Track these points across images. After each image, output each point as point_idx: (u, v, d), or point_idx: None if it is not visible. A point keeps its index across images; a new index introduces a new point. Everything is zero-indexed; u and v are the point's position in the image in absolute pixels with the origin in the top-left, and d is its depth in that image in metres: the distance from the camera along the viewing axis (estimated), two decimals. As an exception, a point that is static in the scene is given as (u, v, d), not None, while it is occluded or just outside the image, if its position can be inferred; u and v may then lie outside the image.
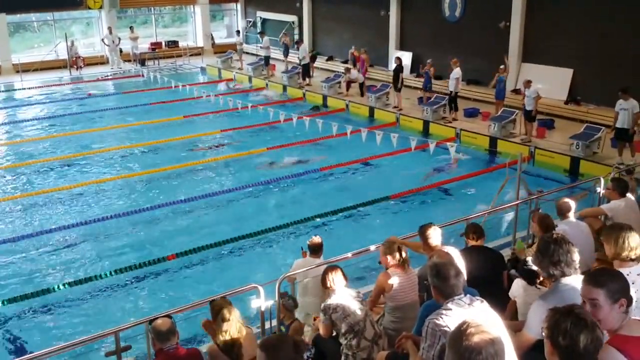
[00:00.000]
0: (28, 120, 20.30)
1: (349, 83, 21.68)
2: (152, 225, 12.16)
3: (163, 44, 30.63)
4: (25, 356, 7.71)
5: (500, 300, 5.44)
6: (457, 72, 17.88)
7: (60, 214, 12.70)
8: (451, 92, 17.99)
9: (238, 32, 29.88)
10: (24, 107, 22.34)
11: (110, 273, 10.00)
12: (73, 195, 13.56)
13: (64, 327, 8.86)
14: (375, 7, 24.68)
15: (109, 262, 10.61)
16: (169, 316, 5.19)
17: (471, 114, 18.48)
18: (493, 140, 16.36)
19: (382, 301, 6.48)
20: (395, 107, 19.83)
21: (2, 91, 24.70)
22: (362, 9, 25.38)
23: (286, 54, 25.85)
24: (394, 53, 23.24)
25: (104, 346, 6.65)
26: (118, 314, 9.03)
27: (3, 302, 9.24)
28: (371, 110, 20.13)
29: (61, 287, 9.67)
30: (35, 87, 24.67)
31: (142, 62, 28.39)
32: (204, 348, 5.58)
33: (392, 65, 20.72)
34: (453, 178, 14.03)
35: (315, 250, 7.56)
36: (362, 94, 21.27)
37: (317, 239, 7.65)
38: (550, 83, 18.35)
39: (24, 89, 24.76)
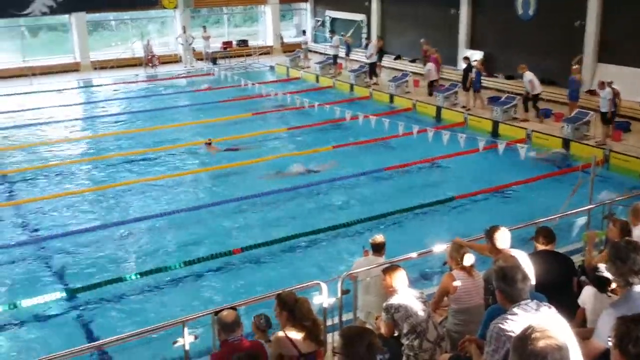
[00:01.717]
0: (104, 116, 21.10)
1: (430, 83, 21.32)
2: (220, 220, 12.42)
3: (234, 43, 31.19)
4: (97, 342, 8.09)
5: (569, 307, 5.30)
6: (527, 75, 17.43)
7: (132, 207, 13.14)
8: (527, 92, 17.59)
9: (304, 31, 30.11)
10: (101, 103, 23.20)
11: (179, 265, 10.27)
12: (145, 189, 14.00)
13: (133, 315, 9.17)
14: (444, 6, 24.36)
15: (178, 253, 10.90)
16: (234, 308, 5.30)
17: (543, 114, 17.99)
18: (566, 142, 15.89)
19: (446, 303, 6.42)
20: (464, 106, 19.53)
21: (81, 87, 25.76)
22: (431, 7, 25.09)
23: (348, 52, 25.97)
24: (463, 52, 22.89)
25: (171, 335, 6.83)
26: (185, 305, 9.28)
27: (77, 290, 9.65)
28: (438, 109, 19.89)
29: (132, 276, 10.03)
30: (112, 84, 25.59)
31: (214, 61, 29.01)
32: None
33: (462, 65, 20.42)
34: (522, 180, 13.70)
35: (378, 249, 7.55)
36: (430, 93, 21.03)
37: (379, 238, 7.64)
38: (627, 84, 17.61)
39: (101, 85, 25.73)
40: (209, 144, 16.35)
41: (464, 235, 7.30)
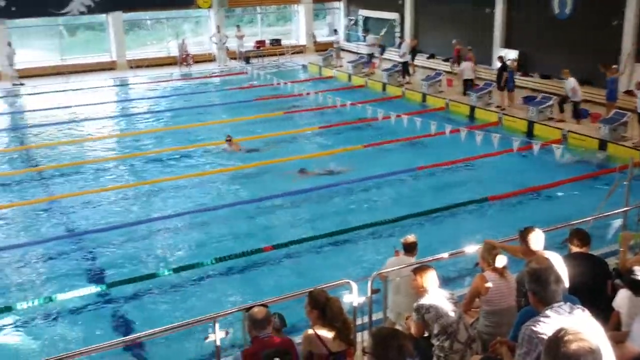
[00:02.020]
0: (139, 114, 21.42)
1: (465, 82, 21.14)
2: (252, 217, 12.50)
3: (267, 42, 31.36)
4: (130, 336, 8.22)
5: (603, 311, 5.22)
6: (570, 82, 17.08)
7: (165, 204, 13.30)
8: (567, 96, 17.32)
9: (335, 30, 30.11)
10: (136, 101, 23.55)
11: (211, 261, 10.38)
12: (179, 186, 14.17)
13: (166, 310, 9.29)
14: (479, 4, 24.12)
15: (210, 250, 11.01)
16: (265, 305, 5.34)
17: (580, 115, 17.68)
18: (602, 143, 15.61)
19: (478, 305, 6.37)
20: (498, 106, 19.32)
21: (117, 86, 26.17)
22: (465, 6, 24.87)
23: (382, 52, 25.91)
24: (498, 51, 22.64)
25: (203, 331, 6.91)
26: (216, 301, 9.37)
27: (112, 284, 9.82)
28: (472, 109, 19.71)
29: (165, 272, 10.17)
30: (147, 83, 25.96)
31: (247, 60, 29.21)
32: (297, 339, 5.69)
33: (496, 64, 20.20)
34: (557, 182, 13.51)
35: (410, 248, 7.52)
36: (464, 93, 20.84)
37: (411, 238, 7.61)
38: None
39: (136, 84, 26.12)
40: (230, 140, 16.37)
41: (497, 237, 7.22)
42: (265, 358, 4.75)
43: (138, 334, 7.94)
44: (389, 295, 7.42)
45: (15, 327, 9.03)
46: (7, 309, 9.16)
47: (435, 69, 24.34)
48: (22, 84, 25.26)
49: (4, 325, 9.02)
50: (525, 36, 22.54)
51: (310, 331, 5.33)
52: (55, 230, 12.15)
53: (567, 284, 4.98)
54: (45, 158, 16.75)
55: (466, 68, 20.91)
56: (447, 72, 23.50)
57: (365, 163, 15.26)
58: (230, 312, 6.53)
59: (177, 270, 10.25)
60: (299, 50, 31.25)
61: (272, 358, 4.70)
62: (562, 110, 17.62)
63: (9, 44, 25.36)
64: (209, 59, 29.65)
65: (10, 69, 25.25)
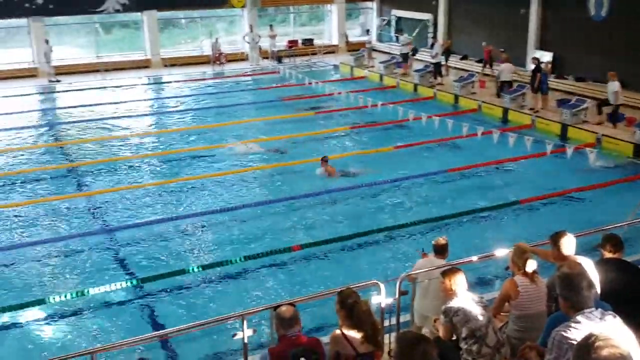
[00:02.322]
0: (172, 112, 21.66)
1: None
2: (281, 216, 12.55)
3: (299, 41, 31.45)
4: (160, 331, 8.33)
5: (636, 318, 5.12)
6: (615, 85, 16.73)
7: (196, 202, 13.43)
8: (607, 100, 17.03)
9: (368, 31, 30.04)
10: (169, 99, 23.82)
11: (240, 259, 10.45)
12: (209, 184, 14.28)
13: (195, 307, 9.38)
14: (514, 5, 23.86)
15: (239, 248, 11.09)
16: (293, 304, 5.36)
17: (616, 119, 17.36)
18: (637, 148, 15.31)
19: (507, 309, 6.31)
20: (531, 108, 19.09)
21: (151, 84, 26.52)
22: (500, 7, 24.62)
23: (414, 52, 25.86)
24: (532, 53, 22.36)
25: (231, 328, 6.97)
26: (244, 299, 9.44)
27: (143, 280, 9.96)
28: (505, 111, 19.50)
29: (195, 269, 10.27)
30: (180, 81, 26.24)
31: (279, 59, 29.33)
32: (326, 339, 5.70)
33: (530, 66, 19.96)
34: (590, 186, 13.30)
35: (440, 251, 7.47)
36: (498, 95, 20.62)
37: (442, 240, 7.55)
38: None
39: (170, 82, 26.43)
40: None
41: (528, 240, 7.14)
42: (293, 357, 4.77)
43: (167, 330, 8.04)
44: (416, 298, 7.39)
45: (48, 319, 9.21)
46: (41, 302, 9.34)
47: (468, 70, 24.19)
48: (58, 81, 25.75)
49: (37, 318, 9.21)
50: (559, 38, 22.23)
51: (338, 331, 5.33)
52: (88, 226, 12.36)
53: (598, 290, 4.90)
54: (79, 154, 17.04)
55: (505, 69, 20.64)
56: (486, 75, 23.25)
57: (396, 164, 15.20)
58: (259, 311, 6.57)
59: (206, 267, 10.35)
60: (331, 50, 31.27)
61: (299, 357, 4.72)
62: (600, 113, 17.31)
63: (47, 42, 25.87)
64: (241, 58, 29.86)
65: (47, 66, 25.76)
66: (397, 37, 26.24)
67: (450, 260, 7.41)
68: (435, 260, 7.37)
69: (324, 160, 14.42)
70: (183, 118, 20.79)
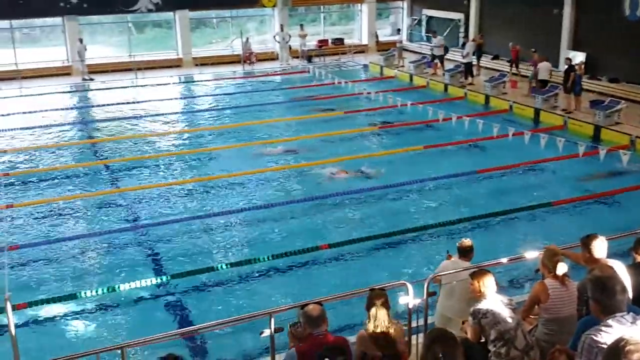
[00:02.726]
0: (203, 111, 21.85)
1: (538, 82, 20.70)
2: (310, 215, 12.57)
3: (329, 41, 31.47)
4: (188, 328, 8.42)
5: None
6: None
7: (226, 200, 13.53)
8: None
9: (398, 30, 29.93)
10: (200, 98, 24.04)
11: (268, 257, 10.51)
12: (239, 182, 14.37)
13: (223, 304, 9.47)
14: (547, 5, 23.55)
15: (267, 246, 11.14)
16: (320, 303, 5.38)
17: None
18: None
19: (537, 312, 6.24)
20: (564, 109, 18.83)
21: (182, 82, 26.81)
22: (532, 6, 24.31)
23: (445, 52, 25.70)
24: (565, 53, 22.05)
25: (258, 326, 7.00)
26: (271, 297, 9.49)
27: (173, 276, 10.08)
28: (536, 112, 19.26)
29: (223, 266, 10.36)
30: (211, 80, 26.46)
31: (309, 59, 29.40)
32: (353, 339, 5.70)
33: (563, 66, 19.68)
34: (623, 188, 13.08)
35: (465, 252, 7.41)
36: (533, 93, 20.34)
37: (467, 242, 7.49)
38: None
39: (201, 81, 26.66)
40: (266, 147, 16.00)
41: (559, 243, 7.05)
42: (318, 358, 4.77)
43: (195, 326, 8.13)
44: (440, 300, 7.34)
45: (80, 314, 9.37)
46: (73, 296, 9.51)
47: (499, 70, 23.95)
48: (91, 79, 26.17)
49: (69, 312, 9.38)
50: (593, 38, 21.87)
51: (364, 331, 5.34)
52: (119, 222, 12.54)
53: (631, 294, 4.83)
54: (111, 151, 17.29)
55: (542, 68, 20.40)
56: (514, 75, 23.01)
57: (425, 164, 15.14)
58: (286, 309, 6.60)
59: (234, 265, 10.43)
60: (361, 49, 31.22)
61: (324, 358, 4.72)
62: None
63: (80, 40, 26.30)
64: (271, 57, 29.99)
65: (81, 64, 26.19)
66: (428, 37, 26.00)
67: (479, 261, 7.36)
68: (459, 262, 7.32)
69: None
70: (213, 117, 20.95)
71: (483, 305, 5.65)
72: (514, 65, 23.47)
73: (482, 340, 5.74)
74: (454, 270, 7.10)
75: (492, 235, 11.39)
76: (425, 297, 6.85)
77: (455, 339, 3.68)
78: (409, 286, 6.65)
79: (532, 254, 7.32)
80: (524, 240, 10.55)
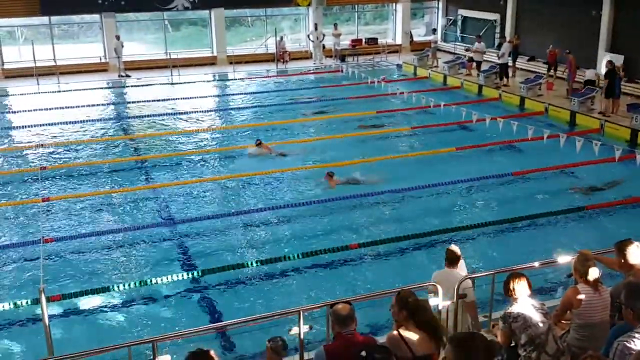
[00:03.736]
0: (236, 109, 21.99)
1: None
2: (341, 214, 12.57)
3: (363, 41, 31.41)
4: (218, 323, 8.51)
5: None
6: None
7: (257, 197, 13.62)
8: None
9: (434, 30, 29.70)
10: (234, 96, 24.19)
11: (297, 256, 10.54)
12: (270, 181, 14.45)
13: (252, 301, 9.53)
14: (585, 7, 23.14)
15: (297, 245, 11.18)
16: (349, 303, 5.38)
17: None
18: None
19: (569, 317, 6.16)
20: (601, 112, 18.50)
21: (217, 80, 27.04)
22: (570, 8, 23.91)
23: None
24: (603, 55, 21.65)
25: (286, 324, 7.05)
26: (300, 295, 9.53)
27: (204, 272, 10.18)
28: (572, 114, 18.95)
29: (253, 263, 10.42)
30: (245, 78, 26.63)
31: (342, 58, 29.39)
32: (382, 339, 5.69)
33: (602, 69, 19.33)
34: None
35: (455, 261, 7.34)
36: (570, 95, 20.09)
37: (456, 250, 7.43)
38: None
39: (235, 79, 26.85)
40: (259, 144, 16.15)
41: (593, 248, 6.94)
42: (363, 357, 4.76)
43: (225, 322, 8.21)
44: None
45: (112, 307, 9.53)
46: (105, 290, 9.68)
47: (535, 72, 23.65)
48: (128, 76, 26.55)
49: (101, 305, 9.54)
50: (632, 40, 21.42)
51: (395, 333, 5.31)
52: (152, 217, 12.72)
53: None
54: (146, 147, 17.53)
55: (589, 74, 20.24)
56: (559, 78, 22.68)
57: (458, 166, 15.01)
58: (315, 308, 6.63)
59: (264, 263, 10.48)
60: (394, 49, 31.08)
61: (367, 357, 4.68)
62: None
63: (118, 38, 26.71)
64: (305, 56, 30.06)
65: (117, 61, 26.59)
66: (463, 37, 25.63)
67: (512, 265, 7.29)
68: (451, 271, 7.26)
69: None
70: (245, 115, 21.07)
71: (514, 308, 5.59)
72: (552, 69, 23.08)
73: (512, 344, 5.68)
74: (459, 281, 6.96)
75: (524, 238, 11.27)
76: (455, 299, 6.82)
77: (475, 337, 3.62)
78: (439, 288, 6.62)
79: (565, 259, 7.23)
80: (556, 244, 10.40)
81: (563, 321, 6.31)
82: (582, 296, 5.78)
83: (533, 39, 26.18)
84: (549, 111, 19.73)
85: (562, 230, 11.66)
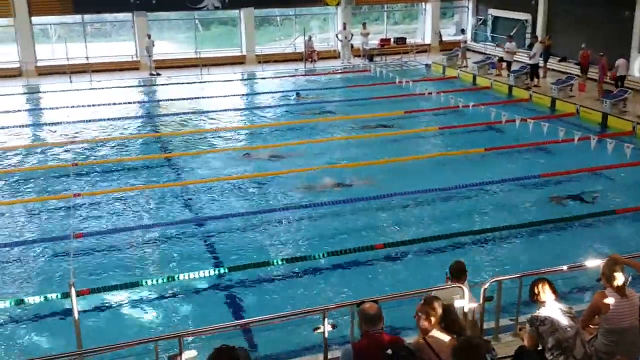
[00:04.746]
0: (263, 107, 22.08)
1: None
2: (367, 214, 12.54)
3: (391, 40, 31.30)
4: (242, 320, 8.56)
5: None
6: None
7: (283, 196, 13.65)
8: None
9: (463, 30, 29.47)
10: (262, 95, 24.30)
11: (322, 255, 10.55)
12: (296, 180, 14.46)
13: (277, 298, 9.57)
14: (617, 7, 22.75)
15: (323, 244, 11.19)
16: (376, 302, 5.38)
17: None
18: None
19: (597, 322, 6.08)
20: (639, 115, 18.17)
21: (245, 79, 27.20)
22: (602, 8, 23.51)
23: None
24: (636, 56, 21.27)
25: (311, 322, 7.06)
26: (325, 294, 9.55)
27: (230, 269, 10.26)
28: (604, 117, 18.65)
29: (279, 262, 10.47)
30: (273, 77, 26.72)
31: (370, 58, 29.33)
32: (408, 340, 5.67)
33: (635, 72, 18.99)
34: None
35: (458, 275, 7.02)
36: (616, 85, 19.79)
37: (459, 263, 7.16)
38: None
39: (264, 78, 26.96)
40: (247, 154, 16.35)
41: (622, 252, 6.84)
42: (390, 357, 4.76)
43: (249, 319, 8.24)
44: None
45: (139, 302, 9.66)
46: (133, 285, 9.81)
47: (566, 73, 23.34)
48: (158, 74, 26.83)
49: (129, 300, 9.68)
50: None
51: (421, 340, 5.29)
52: (181, 214, 12.84)
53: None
54: (175, 145, 17.71)
55: (621, 65, 20.08)
56: (580, 77, 22.36)
57: (486, 167, 14.88)
58: (341, 306, 6.64)
59: (289, 261, 10.52)
60: (423, 49, 30.91)
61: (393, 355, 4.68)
62: None
63: (149, 36, 27.01)
64: (333, 55, 30.07)
65: (148, 60, 26.89)
66: (493, 37, 25.33)
67: (539, 268, 7.22)
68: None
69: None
70: (273, 114, 21.14)
71: (542, 312, 5.54)
72: (584, 72, 22.72)
73: (540, 348, 5.63)
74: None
75: (554, 242, 11.13)
76: (482, 301, 6.77)
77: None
78: (465, 290, 6.58)
79: (594, 262, 7.13)
80: (585, 248, 10.27)
81: (591, 326, 6.23)
82: (609, 300, 5.70)
83: (565, 40, 25.81)
84: (581, 113, 19.45)
85: (591, 233, 11.49)
